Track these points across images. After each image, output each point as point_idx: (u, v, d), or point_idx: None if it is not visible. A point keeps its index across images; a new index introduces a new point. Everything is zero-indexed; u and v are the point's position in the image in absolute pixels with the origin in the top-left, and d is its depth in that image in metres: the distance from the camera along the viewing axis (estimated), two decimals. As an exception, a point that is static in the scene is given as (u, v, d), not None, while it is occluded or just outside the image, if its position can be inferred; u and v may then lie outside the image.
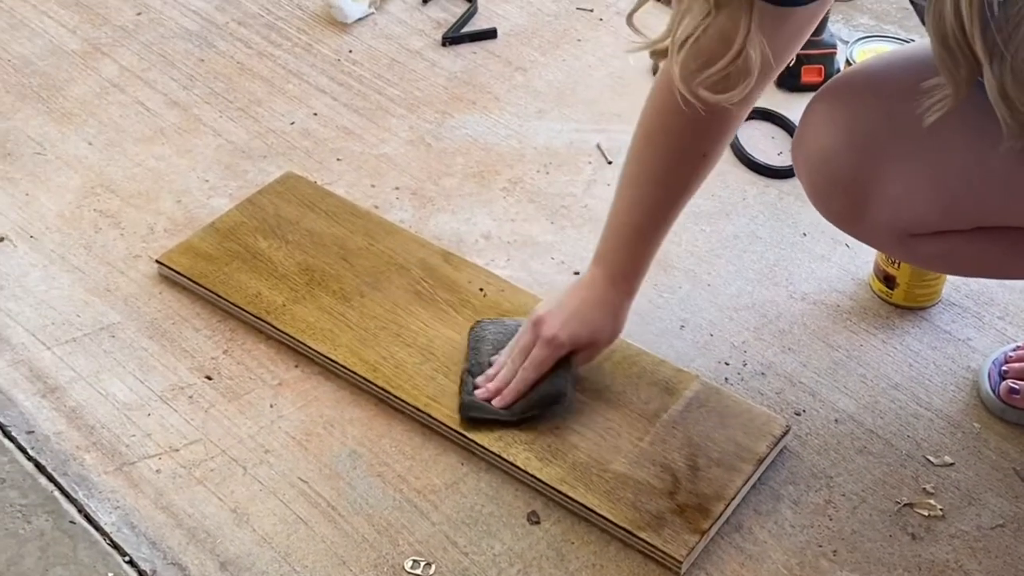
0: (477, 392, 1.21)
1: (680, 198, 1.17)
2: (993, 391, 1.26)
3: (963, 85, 0.82)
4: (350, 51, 1.78)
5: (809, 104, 1.10)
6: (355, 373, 1.27)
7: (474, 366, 1.24)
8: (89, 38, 1.79)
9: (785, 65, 1.09)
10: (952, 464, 1.22)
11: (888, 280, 1.36)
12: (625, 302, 1.20)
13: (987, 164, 1.00)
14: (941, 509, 1.17)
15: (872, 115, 1.06)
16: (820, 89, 1.11)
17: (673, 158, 1.14)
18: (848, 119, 1.07)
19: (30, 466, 1.19)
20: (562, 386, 1.19)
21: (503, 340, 1.25)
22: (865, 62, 1.12)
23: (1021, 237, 1.06)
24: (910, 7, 1.82)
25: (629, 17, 1.01)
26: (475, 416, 1.20)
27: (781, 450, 1.21)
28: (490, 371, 1.22)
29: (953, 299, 1.38)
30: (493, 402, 1.20)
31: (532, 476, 1.17)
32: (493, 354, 1.24)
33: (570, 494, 1.14)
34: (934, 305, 1.37)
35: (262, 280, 1.36)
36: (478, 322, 1.29)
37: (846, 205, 1.11)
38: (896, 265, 1.34)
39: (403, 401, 1.24)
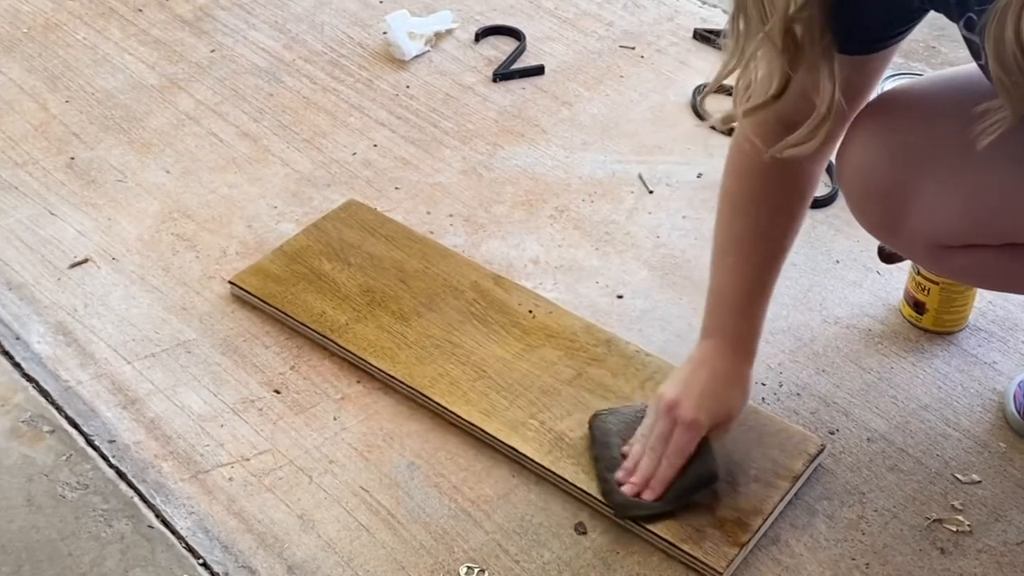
0: (624, 488, 1.11)
1: (780, 256, 1.13)
2: (1018, 412, 1.24)
3: (1020, 105, 0.81)
4: (407, 86, 1.79)
5: (854, 119, 1.08)
6: (413, 389, 1.26)
7: (607, 460, 1.15)
8: (167, 74, 1.81)
9: (859, 109, 1.07)
10: (979, 482, 1.19)
11: (918, 306, 1.34)
12: (749, 370, 1.13)
13: (1020, 184, 0.99)
14: (969, 525, 1.15)
15: (913, 132, 1.05)
16: (865, 106, 1.08)
17: (765, 221, 1.11)
18: (890, 134, 1.05)
19: (112, 473, 1.20)
20: (712, 465, 1.12)
21: (627, 429, 1.16)
22: (908, 83, 1.11)
23: None
24: (936, 45, 1.81)
25: (701, 101, 1.01)
26: (635, 515, 1.11)
27: (816, 467, 1.19)
28: (627, 464, 1.13)
29: (979, 324, 1.36)
30: (643, 494, 1.11)
31: (580, 489, 1.16)
32: (622, 446, 1.15)
33: (616, 507, 1.13)
34: (961, 330, 1.35)
35: (326, 300, 1.37)
36: (596, 415, 1.20)
37: (883, 215, 1.09)
38: (926, 292, 1.32)
39: (458, 416, 1.23)
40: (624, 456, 1.14)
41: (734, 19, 0.94)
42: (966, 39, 0.90)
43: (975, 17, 0.85)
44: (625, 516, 1.12)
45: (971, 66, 0.99)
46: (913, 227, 1.07)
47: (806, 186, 1.12)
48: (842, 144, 1.10)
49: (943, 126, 0.94)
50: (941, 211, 1.04)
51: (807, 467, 1.18)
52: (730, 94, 1.02)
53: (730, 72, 0.97)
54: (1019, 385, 1.26)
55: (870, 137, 1.06)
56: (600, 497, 1.14)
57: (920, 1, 0.91)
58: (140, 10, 1.95)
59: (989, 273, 1.11)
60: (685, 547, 1.10)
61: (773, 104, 0.96)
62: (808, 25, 0.91)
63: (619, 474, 1.13)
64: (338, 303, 1.36)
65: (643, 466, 1.11)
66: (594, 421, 1.20)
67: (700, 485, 1.12)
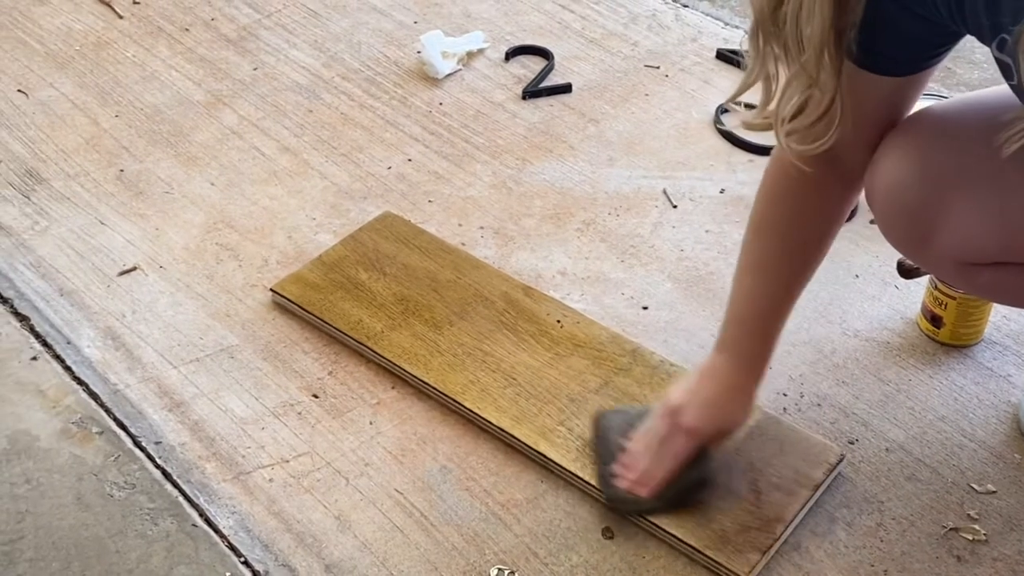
0: (618, 482, 1.12)
1: (800, 281, 1.11)
2: (1033, 424, 1.22)
3: None
4: (440, 103, 1.78)
5: (884, 140, 1.06)
6: (445, 395, 1.26)
7: (605, 455, 1.15)
8: (212, 90, 1.81)
9: (876, 132, 1.05)
10: (995, 492, 1.18)
11: (935, 320, 1.32)
12: (756, 387, 1.12)
13: None
14: (984, 534, 1.13)
15: (942, 152, 1.03)
16: (895, 127, 1.06)
17: (791, 246, 1.09)
18: (919, 155, 1.03)
19: (158, 473, 1.20)
20: (706, 472, 1.12)
21: (629, 427, 1.15)
22: (936, 104, 1.09)
23: None
24: (952, 66, 1.79)
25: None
26: (626, 508, 1.12)
27: (836, 476, 1.18)
28: (625, 459, 1.13)
29: (995, 338, 1.34)
30: (637, 490, 1.11)
31: (599, 490, 1.14)
32: (622, 441, 1.14)
33: (641, 512, 1.13)
34: (977, 343, 1.33)
35: (363, 308, 1.36)
36: (601, 413, 1.20)
37: (912, 234, 1.07)
38: (943, 306, 1.30)
39: (488, 422, 1.23)
40: (623, 451, 1.14)
41: (764, 43, 0.93)
42: (998, 60, 0.89)
43: (1008, 38, 0.84)
44: (615, 506, 1.12)
45: (1000, 88, 0.97)
46: (941, 245, 1.05)
47: (838, 213, 1.10)
48: (872, 163, 1.08)
49: (972, 146, 0.92)
50: (969, 230, 1.02)
51: (827, 476, 1.16)
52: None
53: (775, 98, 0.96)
54: (1034, 398, 1.24)
55: (900, 156, 1.05)
56: (595, 483, 1.14)
57: (955, 24, 0.90)
58: (187, 29, 1.96)
59: (1013, 290, 1.09)
60: (709, 552, 1.08)
61: (825, 118, 0.95)
62: (839, 46, 0.90)
63: (615, 467, 1.13)
64: (374, 311, 1.36)
65: (641, 464, 1.12)
66: (598, 418, 1.20)
67: (693, 489, 1.12)
